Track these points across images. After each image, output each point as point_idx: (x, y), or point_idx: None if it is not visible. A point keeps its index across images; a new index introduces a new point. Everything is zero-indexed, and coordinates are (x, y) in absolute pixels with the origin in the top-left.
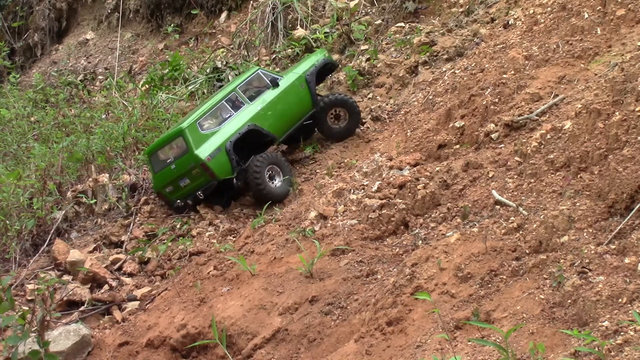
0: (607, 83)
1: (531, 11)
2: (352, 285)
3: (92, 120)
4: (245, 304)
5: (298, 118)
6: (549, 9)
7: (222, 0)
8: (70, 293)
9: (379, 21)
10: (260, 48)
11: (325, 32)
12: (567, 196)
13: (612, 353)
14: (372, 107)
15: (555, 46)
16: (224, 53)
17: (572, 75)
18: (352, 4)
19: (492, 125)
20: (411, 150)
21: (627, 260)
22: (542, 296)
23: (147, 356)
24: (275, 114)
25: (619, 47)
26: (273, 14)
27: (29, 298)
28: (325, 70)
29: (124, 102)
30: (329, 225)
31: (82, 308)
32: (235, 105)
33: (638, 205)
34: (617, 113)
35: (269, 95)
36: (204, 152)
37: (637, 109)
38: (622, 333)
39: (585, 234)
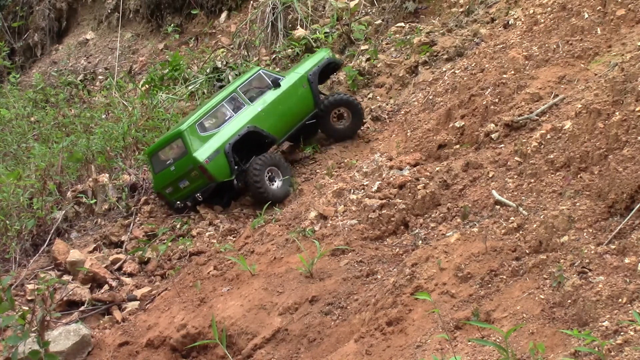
0: (607, 83)
1: (531, 11)
2: (352, 285)
3: (92, 120)
4: (245, 304)
5: (300, 119)
6: (549, 9)
7: (222, 0)
8: (70, 293)
9: (379, 21)
10: (260, 48)
11: (325, 32)
12: (567, 196)
13: (612, 353)
14: (372, 107)
15: (555, 46)
16: (224, 53)
17: (572, 75)
18: (352, 4)
19: (492, 125)
20: (411, 150)
21: (627, 260)
22: (542, 296)
23: (147, 356)
24: (276, 115)
25: (619, 47)
26: (273, 14)
27: (29, 298)
28: (328, 70)
29: (124, 102)
30: (329, 225)
31: (82, 308)
32: (236, 106)
33: (638, 205)
34: (617, 113)
35: (270, 95)
36: (202, 154)
37: (637, 109)
38: (622, 333)
39: (585, 234)
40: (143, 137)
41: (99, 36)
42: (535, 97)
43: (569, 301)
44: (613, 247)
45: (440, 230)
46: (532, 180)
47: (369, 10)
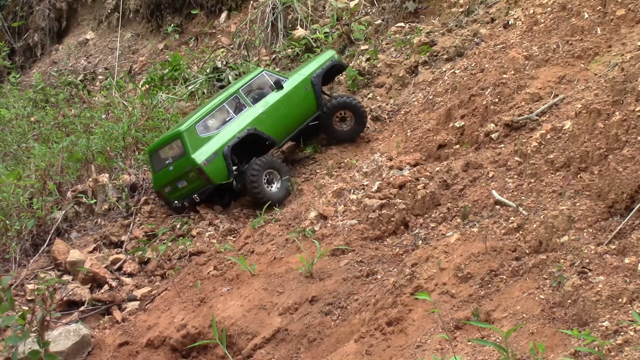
0: (607, 83)
1: (531, 11)
2: (352, 285)
3: (92, 120)
4: (245, 304)
5: (301, 121)
6: (549, 9)
7: (222, 0)
8: (70, 293)
9: (379, 21)
10: (260, 48)
11: (325, 32)
12: (567, 196)
13: (612, 353)
14: (372, 107)
15: (555, 46)
16: (224, 53)
17: (572, 75)
18: (352, 4)
19: (492, 125)
20: (411, 150)
21: (627, 260)
22: (542, 296)
23: (147, 356)
24: (278, 117)
25: (619, 47)
26: (273, 14)
27: (29, 298)
28: (333, 71)
29: (124, 102)
30: (329, 225)
31: (82, 308)
32: (237, 107)
33: (638, 205)
34: (617, 113)
35: (272, 97)
36: (200, 156)
37: (637, 109)
38: (622, 333)
39: (585, 234)
40: (143, 137)
41: (99, 36)
42: (535, 97)
43: (569, 301)
44: (613, 247)
45: (440, 230)
46: (532, 180)
47: (369, 10)
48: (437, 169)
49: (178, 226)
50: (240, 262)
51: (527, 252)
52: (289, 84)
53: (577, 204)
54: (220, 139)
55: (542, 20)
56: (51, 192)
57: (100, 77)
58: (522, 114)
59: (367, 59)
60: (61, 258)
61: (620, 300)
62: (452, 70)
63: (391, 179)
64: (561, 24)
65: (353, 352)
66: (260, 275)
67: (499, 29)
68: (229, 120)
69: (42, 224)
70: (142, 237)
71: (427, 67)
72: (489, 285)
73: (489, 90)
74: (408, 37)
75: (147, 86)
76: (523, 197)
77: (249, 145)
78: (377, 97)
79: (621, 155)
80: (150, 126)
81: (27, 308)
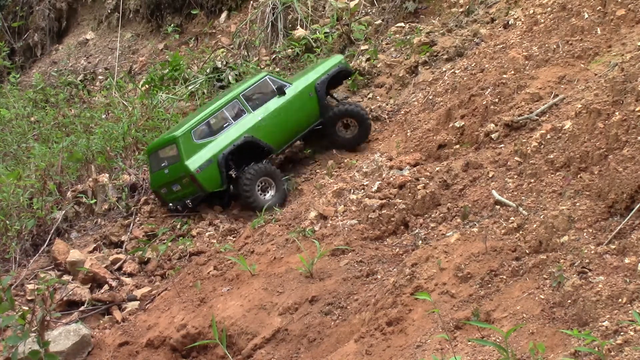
0: (607, 83)
1: (531, 11)
2: (352, 285)
3: (92, 120)
4: (245, 304)
5: (302, 129)
6: (549, 9)
7: (222, 0)
8: (70, 293)
9: (379, 21)
10: (260, 48)
11: (325, 32)
12: (567, 196)
13: (612, 353)
14: (372, 107)
15: (555, 46)
16: (224, 53)
17: (572, 75)
18: (352, 4)
19: (492, 125)
20: (411, 150)
21: (627, 260)
22: (542, 296)
23: (147, 356)
24: (277, 125)
25: (619, 47)
26: (273, 14)
27: (29, 298)
28: (339, 77)
29: (124, 102)
30: (329, 225)
31: (82, 308)
32: (236, 113)
33: (638, 205)
34: (617, 113)
35: (274, 104)
36: (194, 163)
37: (637, 109)
38: (622, 333)
39: (585, 234)
40: (143, 137)
41: (99, 36)
42: (535, 97)
43: (569, 301)
44: (613, 247)
45: (440, 230)
46: (532, 180)
47: (369, 10)
48: (437, 169)
49: (178, 226)
50: (240, 262)
51: (527, 252)
52: (291, 90)
53: (577, 204)
54: (216, 146)
55: (542, 20)
56: (51, 192)
57: (100, 77)
58: (522, 114)
59: (367, 59)
60: (61, 258)
61: (620, 300)
62: (452, 70)
63: (391, 179)
64: (561, 24)
65: (353, 352)
66: (260, 275)
67: (499, 29)
68: (227, 126)
69: (42, 224)
70: (142, 237)
71: (427, 67)
72: (489, 285)
73: (489, 90)
74: (408, 37)
75: (147, 86)
76: (523, 197)
77: (247, 151)
78: (377, 97)
79: (621, 155)
80: (150, 126)
81: (27, 308)
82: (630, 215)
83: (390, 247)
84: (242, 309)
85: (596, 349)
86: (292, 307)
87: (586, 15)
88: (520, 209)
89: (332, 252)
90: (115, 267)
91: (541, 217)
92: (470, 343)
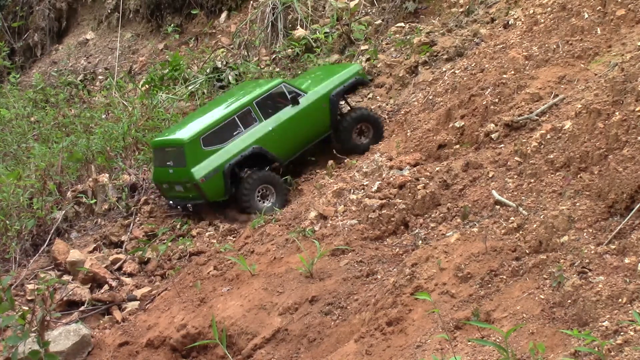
0: (607, 83)
1: (531, 11)
2: (352, 285)
3: (92, 120)
4: (245, 304)
5: (311, 140)
6: (549, 9)
7: (222, 0)
8: (70, 293)
9: (379, 21)
10: (260, 48)
11: (325, 32)
12: (567, 196)
13: (612, 353)
14: (372, 107)
15: (555, 46)
16: (224, 53)
17: (572, 75)
18: (352, 4)
19: (492, 125)
20: (411, 150)
21: (627, 260)
22: (542, 296)
23: (147, 356)
24: (287, 136)
25: (619, 47)
26: (273, 14)
27: (29, 298)
28: (355, 86)
29: (124, 102)
30: (329, 225)
31: (82, 308)
32: (247, 121)
33: (638, 205)
34: (617, 113)
35: (286, 113)
36: (199, 171)
37: (637, 109)
38: (622, 333)
39: (585, 234)
40: (143, 137)
41: (99, 36)
42: (535, 97)
43: (569, 301)
44: (613, 247)
45: (440, 230)
46: (532, 180)
47: (369, 10)
48: (437, 169)
49: (178, 226)
50: (240, 262)
51: (527, 252)
52: (305, 100)
53: (577, 204)
54: (223, 155)
55: (542, 20)
56: (51, 192)
57: (100, 77)
58: (522, 114)
59: (367, 59)
60: (61, 258)
61: (620, 300)
62: (452, 70)
63: (391, 179)
64: (561, 24)
65: (353, 352)
66: (260, 275)
67: (499, 29)
68: (236, 134)
69: (42, 224)
70: (142, 237)
71: (427, 67)
72: (489, 285)
73: (489, 90)
74: (408, 37)
75: (147, 86)
76: (523, 197)
77: (253, 158)
78: (377, 97)
79: (621, 155)
80: (150, 126)
81: (27, 308)
82: (630, 215)
83: (390, 247)
84: (242, 309)
85: (596, 349)
86: (292, 307)
87: (586, 15)
88: (520, 209)
89: (332, 252)
90: (115, 267)
91: (541, 217)
92: (470, 343)
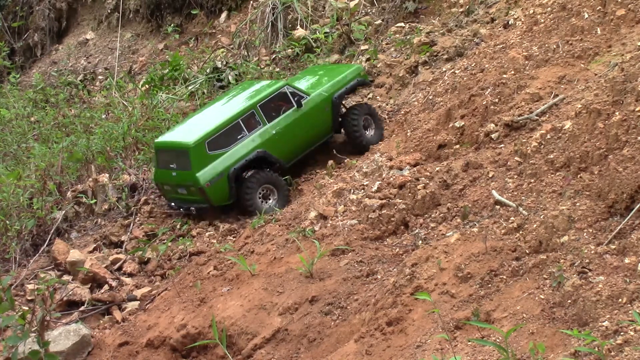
0: (607, 83)
1: (531, 11)
2: (352, 285)
3: (92, 120)
4: (245, 304)
5: (314, 143)
6: (549, 9)
7: (222, 0)
8: (70, 293)
9: (379, 21)
10: (260, 48)
11: (325, 32)
12: (567, 196)
13: (612, 353)
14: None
15: (555, 46)
16: (224, 53)
17: (572, 75)
18: (352, 4)
19: (492, 125)
20: (411, 150)
21: (627, 260)
22: (542, 296)
23: (147, 356)
24: (290, 140)
25: (619, 47)
26: (273, 14)
27: (29, 298)
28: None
29: (124, 102)
30: (329, 225)
31: (82, 308)
32: (251, 124)
33: (638, 205)
34: (617, 113)
35: (289, 117)
36: (204, 176)
37: (637, 109)
38: (622, 333)
39: (585, 234)
40: (143, 137)
41: (99, 36)
42: (535, 97)
43: (569, 301)
44: (613, 247)
45: (440, 230)
46: (532, 180)
47: (369, 10)
48: (437, 169)
49: (178, 226)
50: (240, 262)
51: (527, 252)
52: (308, 103)
53: (577, 204)
54: (227, 159)
55: (542, 20)
56: (51, 192)
57: (100, 77)
58: (522, 114)
59: (367, 59)
60: (61, 258)
61: (620, 300)
62: (452, 70)
63: (391, 179)
64: (561, 24)
65: (353, 352)
66: (260, 275)
67: (499, 29)
68: (240, 138)
69: (42, 224)
70: (142, 237)
71: (427, 67)
72: (489, 285)
73: (489, 90)
74: (408, 37)
75: (147, 86)
76: (523, 197)
77: (257, 161)
78: (377, 97)
79: (621, 155)
80: (150, 126)
81: (27, 308)
82: (630, 215)
83: (390, 247)
84: (242, 309)
85: (596, 349)
86: (292, 307)
87: (586, 15)
88: (520, 209)
89: (332, 252)
90: (115, 267)
91: (541, 217)
92: (470, 343)
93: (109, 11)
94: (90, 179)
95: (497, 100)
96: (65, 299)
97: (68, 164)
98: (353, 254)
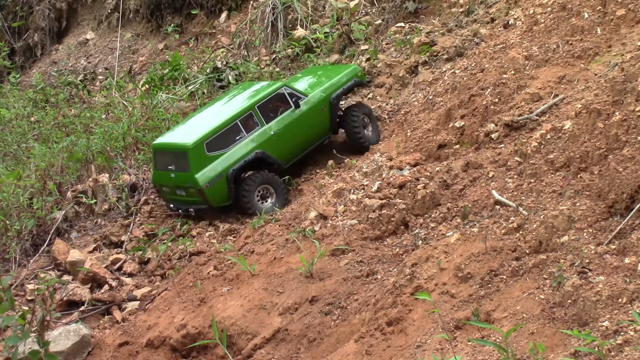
0: (607, 83)
1: (531, 11)
2: (352, 285)
3: (92, 120)
4: (245, 304)
5: (312, 143)
6: (549, 9)
7: (222, 0)
8: (70, 293)
9: (379, 21)
10: (260, 48)
11: (325, 32)
12: (567, 196)
13: (612, 353)
14: (372, 107)
15: (555, 46)
16: (224, 53)
17: (572, 75)
18: (352, 4)
19: (492, 125)
20: (411, 150)
21: (627, 260)
22: (542, 296)
23: (147, 356)
24: (288, 140)
25: (619, 47)
26: (273, 14)
27: (29, 298)
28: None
29: (124, 102)
30: (329, 225)
31: (82, 308)
32: (249, 125)
33: (638, 205)
34: (617, 113)
35: (287, 117)
36: (203, 177)
37: (637, 109)
38: (622, 333)
39: (585, 234)
40: (143, 137)
41: (99, 36)
42: (535, 97)
43: (569, 301)
44: (613, 247)
45: (440, 230)
46: (532, 180)
47: (369, 10)
48: (437, 169)
49: (178, 226)
50: (240, 262)
51: (527, 252)
52: (306, 103)
53: (577, 204)
54: (226, 160)
55: (542, 20)
56: (51, 192)
57: (100, 77)
58: (522, 114)
59: (367, 59)
60: (61, 258)
61: (620, 300)
62: (452, 70)
63: (391, 179)
64: (561, 24)
65: (353, 352)
66: (260, 275)
67: (499, 29)
68: (238, 139)
69: (42, 224)
70: (142, 237)
71: (427, 67)
72: (489, 285)
73: (489, 90)
74: (408, 37)
75: (147, 86)
76: (523, 197)
77: (255, 162)
78: (377, 97)
79: (621, 155)
80: (150, 126)
81: (27, 308)
82: (630, 215)
83: (390, 247)
84: (242, 309)
85: (596, 349)
86: (292, 307)
87: (586, 15)
88: (520, 209)
89: (332, 252)
90: (115, 267)
91: (541, 217)
92: (470, 343)
93: (109, 11)
94: (90, 179)
95: (497, 100)
96: (65, 299)
97: (68, 164)
98: (353, 254)
